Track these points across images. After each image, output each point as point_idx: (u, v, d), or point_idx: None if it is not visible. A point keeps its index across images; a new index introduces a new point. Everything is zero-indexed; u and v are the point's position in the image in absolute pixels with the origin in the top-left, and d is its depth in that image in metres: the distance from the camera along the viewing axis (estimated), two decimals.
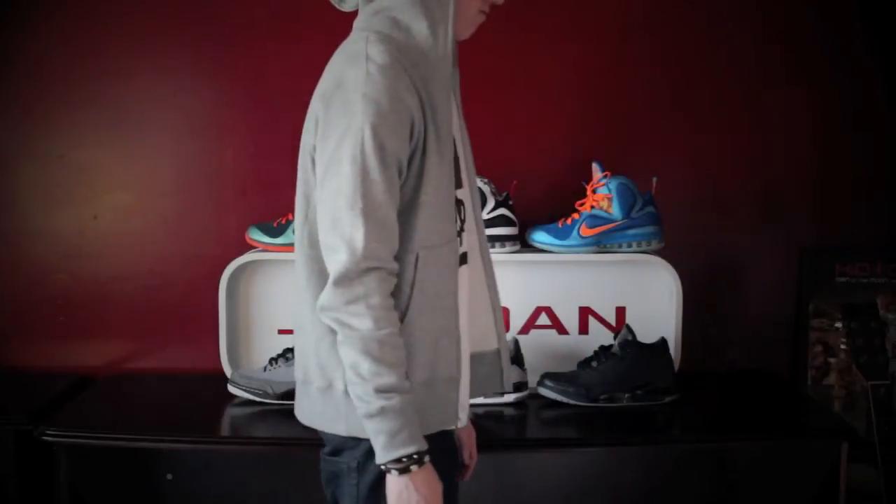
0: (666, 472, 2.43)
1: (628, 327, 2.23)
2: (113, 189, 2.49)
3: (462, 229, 1.58)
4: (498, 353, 1.70)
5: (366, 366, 1.40)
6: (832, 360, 2.47)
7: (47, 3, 2.42)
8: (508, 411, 2.18)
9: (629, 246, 2.27)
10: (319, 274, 1.49)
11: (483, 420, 2.06)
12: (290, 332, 2.32)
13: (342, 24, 1.58)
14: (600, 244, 2.27)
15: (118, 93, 2.44)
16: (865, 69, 2.49)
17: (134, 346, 2.51)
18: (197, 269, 2.45)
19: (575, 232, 2.26)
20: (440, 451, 1.48)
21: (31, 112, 2.45)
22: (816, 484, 2.11)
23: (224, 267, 2.30)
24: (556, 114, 2.48)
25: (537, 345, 2.35)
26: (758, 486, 2.36)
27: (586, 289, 2.39)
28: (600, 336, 2.36)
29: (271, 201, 2.38)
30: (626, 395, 2.18)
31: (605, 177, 2.28)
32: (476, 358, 1.65)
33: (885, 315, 2.28)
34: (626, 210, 2.26)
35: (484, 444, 1.80)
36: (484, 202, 2.24)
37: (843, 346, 2.44)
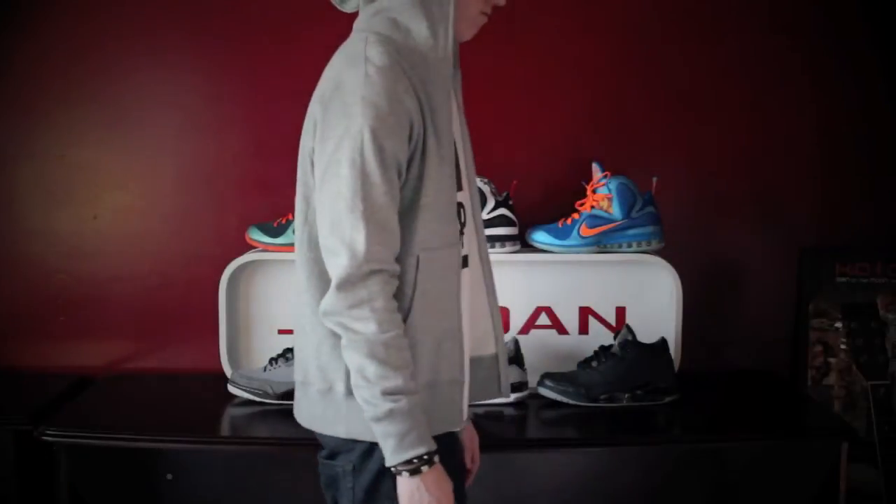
0: (666, 472, 2.43)
1: (628, 327, 2.23)
2: (113, 189, 2.49)
3: (462, 232, 1.58)
4: (496, 357, 1.69)
5: (372, 369, 1.40)
6: (832, 360, 2.47)
7: (46, 2, 2.42)
8: (508, 411, 2.18)
9: (629, 246, 2.27)
10: (319, 276, 1.49)
11: (483, 420, 2.06)
12: (290, 332, 2.32)
13: (343, 25, 1.58)
14: (600, 244, 2.27)
15: (118, 92, 2.44)
16: (866, 69, 2.49)
17: (134, 346, 2.51)
18: (197, 269, 2.45)
19: (575, 232, 2.26)
20: (446, 452, 1.48)
21: (31, 111, 2.45)
22: (816, 484, 2.11)
23: (224, 267, 2.30)
24: (556, 114, 2.48)
25: (537, 345, 2.35)
26: (758, 486, 2.36)
27: (586, 289, 2.39)
28: (600, 336, 2.36)
29: (271, 201, 2.38)
30: (626, 395, 2.18)
31: (605, 177, 2.28)
32: (474, 362, 1.65)
33: (885, 315, 2.28)
34: (626, 210, 2.26)
35: (484, 444, 1.80)
36: (484, 202, 2.24)
37: (843, 346, 2.44)
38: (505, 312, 2.33)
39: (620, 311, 2.40)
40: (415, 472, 1.42)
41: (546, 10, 2.43)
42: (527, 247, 2.31)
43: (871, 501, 2.10)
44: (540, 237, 2.28)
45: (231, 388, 2.23)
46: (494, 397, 1.71)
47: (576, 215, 2.29)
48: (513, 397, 2.19)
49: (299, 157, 1.54)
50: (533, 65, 2.46)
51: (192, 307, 2.45)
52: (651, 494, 2.43)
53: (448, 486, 1.46)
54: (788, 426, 2.19)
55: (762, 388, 2.39)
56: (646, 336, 2.22)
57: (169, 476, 2.37)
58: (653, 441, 2.15)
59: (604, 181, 2.28)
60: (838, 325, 2.44)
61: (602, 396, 2.18)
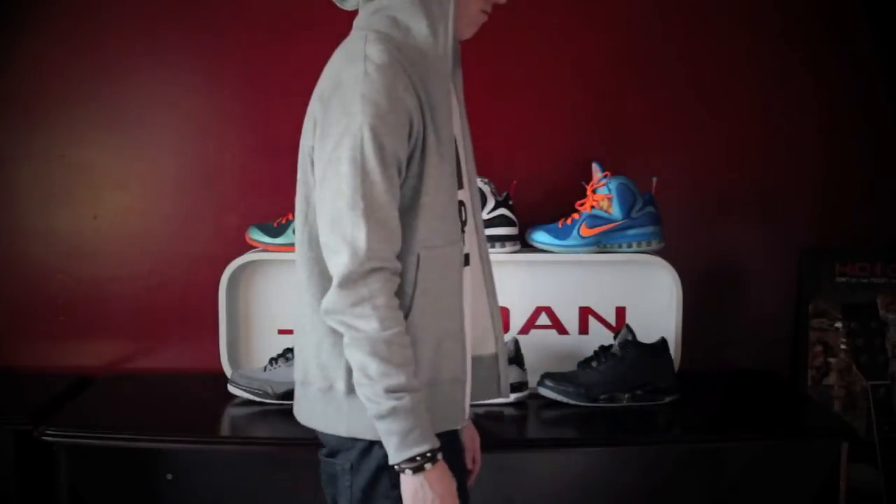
0: (666, 472, 2.43)
1: (628, 327, 2.23)
2: (113, 189, 2.49)
3: (463, 230, 1.58)
4: (496, 357, 1.69)
5: (374, 367, 1.40)
6: (832, 360, 2.47)
7: (46, 1, 2.41)
8: (508, 411, 2.18)
9: (629, 246, 2.27)
10: (320, 275, 1.49)
11: (483, 420, 2.06)
12: (290, 332, 2.32)
13: (343, 24, 1.58)
14: (600, 244, 2.27)
15: (118, 92, 2.44)
16: (867, 69, 2.49)
17: (134, 346, 2.51)
18: (197, 269, 2.45)
19: (575, 232, 2.26)
20: (446, 451, 1.48)
21: (31, 111, 2.45)
22: (816, 484, 2.11)
23: (224, 267, 2.30)
24: (556, 114, 2.48)
25: (537, 345, 2.34)
26: (758, 486, 2.36)
27: (586, 289, 2.39)
28: (600, 336, 2.36)
29: (271, 201, 2.38)
30: (626, 395, 2.18)
31: (605, 177, 2.28)
32: (475, 361, 1.64)
33: (885, 315, 2.28)
34: (626, 210, 2.26)
35: (484, 444, 1.80)
36: (484, 202, 2.24)
37: (843, 346, 2.43)
38: (505, 312, 2.33)
39: (620, 311, 2.40)
40: (418, 469, 1.42)
41: (546, 9, 2.43)
42: (527, 247, 2.31)
43: (871, 501, 2.09)
44: (540, 237, 2.28)
45: (231, 388, 2.23)
46: (494, 397, 1.71)
47: (576, 215, 2.28)
48: (513, 397, 2.19)
49: (299, 156, 1.54)
50: (533, 64, 2.46)
51: (192, 307, 2.45)
52: (651, 494, 2.43)
53: (452, 483, 1.46)
54: (788, 426, 2.19)
55: (762, 388, 2.39)
56: (646, 336, 2.22)
57: (169, 476, 2.37)
58: (653, 441, 2.14)
59: (604, 181, 2.28)
60: (838, 325, 2.44)
61: (602, 396, 2.18)
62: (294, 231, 1.57)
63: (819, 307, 2.48)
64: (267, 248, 2.30)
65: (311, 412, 1.57)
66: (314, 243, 1.50)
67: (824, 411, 2.34)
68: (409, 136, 1.44)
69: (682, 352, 2.30)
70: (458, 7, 1.50)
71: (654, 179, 2.31)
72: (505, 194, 2.29)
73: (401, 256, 1.46)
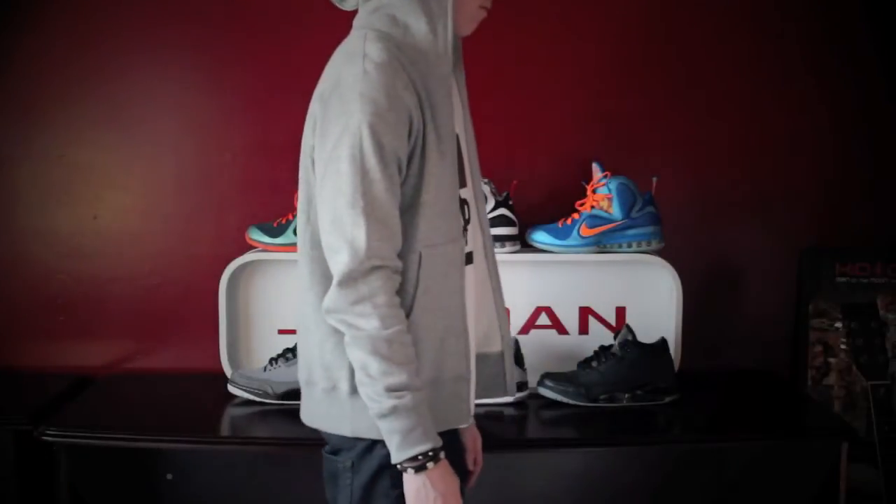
0: (666, 472, 2.43)
1: (628, 327, 2.23)
2: (113, 189, 2.49)
3: (465, 229, 1.58)
4: (501, 355, 1.69)
5: (375, 365, 1.40)
6: (832, 360, 2.47)
7: (45, 1, 2.41)
8: (508, 411, 2.18)
9: (629, 246, 2.27)
10: (322, 275, 1.49)
11: (483, 420, 2.05)
12: (290, 332, 2.32)
13: (343, 23, 1.58)
14: (600, 244, 2.27)
15: (118, 91, 2.44)
16: (867, 69, 2.49)
17: (134, 346, 2.51)
18: (197, 269, 2.45)
19: (575, 232, 2.26)
20: (449, 450, 1.47)
21: (30, 111, 2.45)
22: (816, 484, 2.11)
23: (224, 267, 2.29)
24: (556, 114, 2.48)
25: (537, 345, 2.34)
26: (758, 486, 2.36)
27: (586, 289, 2.39)
28: (600, 336, 2.36)
29: (271, 201, 2.38)
30: (626, 395, 2.18)
31: (605, 177, 2.28)
32: (480, 359, 1.64)
33: (885, 315, 2.28)
34: (626, 210, 2.26)
35: (484, 445, 1.79)
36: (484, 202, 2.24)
37: (843, 346, 2.43)
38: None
39: (620, 311, 2.40)
40: (420, 468, 1.42)
41: (546, 9, 2.43)
42: (527, 247, 2.31)
43: (871, 501, 2.09)
44: (540, 237, 2.28)
45: (231, 388, 2.23)
46: (500, 395, 1.70)
47: (576, 215, 2.28)
48: (513, 397, 2.19)
49: (301, 155, 1.54)
50: (533, 65, 2.45)
51: (192, 307, 2.45)
52: (651, 494, 2.43)
53: (454, 482, 1.46)
54: (788, 426, 2.19)
55: (762, 388, 2.39)
56: (646, 336, 2.22)
57: (169, 476, 2.37)
58: (653, 441, 2.15)
59: (604, 181, 2.28)
60: (838, 325, 2.44)
61: (602, 396, 2.18)
62: (295, 231, 1.57)
63: (819, 307, 2.48)
64: (267, 248, 2.30)
65: (316, 413, 1.56)
66: (316, 242, 1.49)
67: (824, 411, 2.34)
68: (409, 134, 1.44)
69: (682, 352, 2.30)
70: (457, 3, 1.49)
71: (654, 179, 2.31)
72: (505, 194, 2.29)
73: (402, 255, 1.46)
